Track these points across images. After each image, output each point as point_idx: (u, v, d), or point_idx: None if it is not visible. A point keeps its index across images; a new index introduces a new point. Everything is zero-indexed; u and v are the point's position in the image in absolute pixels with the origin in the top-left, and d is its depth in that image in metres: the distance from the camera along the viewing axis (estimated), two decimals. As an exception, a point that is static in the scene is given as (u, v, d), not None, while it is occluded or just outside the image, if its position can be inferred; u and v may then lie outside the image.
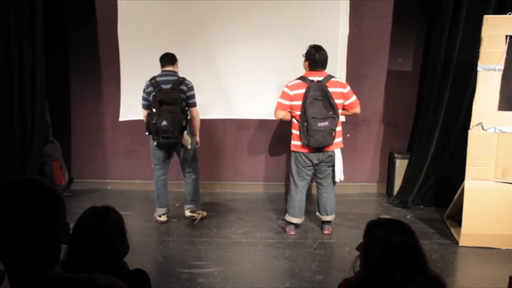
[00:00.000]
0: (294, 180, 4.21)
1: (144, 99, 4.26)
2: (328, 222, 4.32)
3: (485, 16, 3.98)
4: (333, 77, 4.05)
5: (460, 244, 4.04)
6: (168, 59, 4.31)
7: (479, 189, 3.99)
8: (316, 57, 4.01)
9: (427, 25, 5.28)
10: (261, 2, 5.06)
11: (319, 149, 4.02)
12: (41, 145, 4.95)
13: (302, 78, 4.04)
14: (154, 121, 4.09)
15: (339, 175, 4.16)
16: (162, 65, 4.31)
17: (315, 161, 4.10)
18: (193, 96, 4.27)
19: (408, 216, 4.82)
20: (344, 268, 3.38)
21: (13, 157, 4.55)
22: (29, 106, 4.70)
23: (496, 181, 4.01)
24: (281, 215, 4.61)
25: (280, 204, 5.04)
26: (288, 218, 4.29)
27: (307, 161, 4.10)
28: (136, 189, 5.48)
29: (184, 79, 4.25)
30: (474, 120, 4.03)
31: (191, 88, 4.26)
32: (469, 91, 4.51)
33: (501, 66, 3.93)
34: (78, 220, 1.89)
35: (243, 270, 3.60)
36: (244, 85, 5.20)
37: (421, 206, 5.08)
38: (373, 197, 5.45)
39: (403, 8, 5.23)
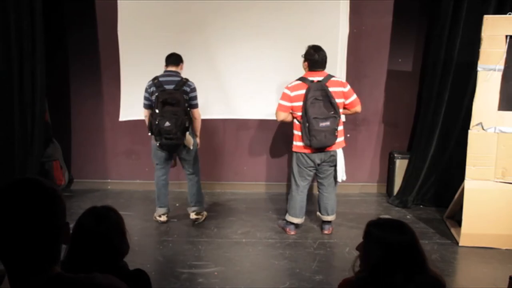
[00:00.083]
0: (295, 180, 4.21)
1: (146, 98, 4.25)
2: (329, 222, 4.32)
3: (485, 16, 3.98)
4: (333, 76, 4.05)
5: (460, 244, 4.04)
6: (173, 59, 4.29)
7: (479, 189, 4.00)
8: (315, 58, 4.01)
9: (427, 25, 5.28)
10: (261, 2, 5.06)
11: (322, 149, 4.03)
12: (41, 145, 4.95)
13: (302, 79, 4.04)
14: (157, 122, 4.08)
15: (341, 175, 4.16)
16: (166, 65, 4.30)
17: (318, 161, 4.10)
18: (195, 97, 4.27)
19: (408, 216, 4.82)
20: (344, 268, 3.38)
21: (13, 157, 4.55)
22: (29, 106, 4.70)
23: (496, 181, 4.01)
24: (281, 215, 4.61)
25: (280, 204, 5.04)
26: (289, 218, 4.29)
27: (309, 161, 4.10)
28: (136, 189, 5.48)
29: (187, 80, 4.24)
30: (474, 120, 4.03)
31: (194, 89, 4.25)
32: (469, 91, 4.51)
33: (501, 66, 3.93)
34: (78, 220, 1.89)
35: (243, 270, 3.60)
36: (244, 85, 5.20)
37: (421, 206, 5.08)
38: (373, 197, 5.45)
39: (403, 8, 5.23)
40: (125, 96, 5.21)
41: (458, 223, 4.21)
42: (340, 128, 4.08)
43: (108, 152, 5.61)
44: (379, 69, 5.39)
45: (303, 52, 4.07)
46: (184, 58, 4.37)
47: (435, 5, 4.96)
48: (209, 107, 5.10)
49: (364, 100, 4.43)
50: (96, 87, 5.43)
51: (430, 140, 4.98)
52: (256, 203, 5.18)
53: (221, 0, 5.05)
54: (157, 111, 4.09)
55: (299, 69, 4.15)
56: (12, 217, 1.09)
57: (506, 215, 3.95)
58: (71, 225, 1.33)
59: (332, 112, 3.93)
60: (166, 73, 4.25)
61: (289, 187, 4.62)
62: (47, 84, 4.96)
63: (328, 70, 4.10)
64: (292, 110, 4.04)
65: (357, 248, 1.87)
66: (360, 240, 1.86)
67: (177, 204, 4.92)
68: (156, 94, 4.12)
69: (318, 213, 4.36)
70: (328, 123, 3.91)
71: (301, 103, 3.95)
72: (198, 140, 4.45)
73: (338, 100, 3.98)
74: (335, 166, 4.13)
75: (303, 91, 3.95)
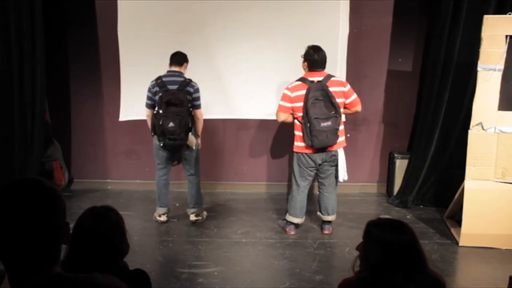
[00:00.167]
0: (296, 181, 4.21)
1: (148, 98, 4.23)
2: (329, 222, 4.32)
3: (485, 16, 3.98)
4: (332, 76, 4.05)
5: (460, 244, 4.04)
6: (176, 59, 4.27)
7: (479, 189, 4.00)
8: (315, 58, 4.01)
9: (427, 25, 5.28)
10: (261, 2, 5.06)
11: (323, 149, 4.02)
12: (41, 145, 4.95)
13: (302, 79, 4.04)
14: (160, 122, 4.07)
15: (343, 175, 4.16)
16: (170, 64, 4.28)
17: (319, 161, 4.09)
18: (199, 98, 4.26)
19: (408, 216, 4.82)
20: (344, 268, 3.37)
21: (13, 157, 4.55)
22: (29, 106, 4.70)
23: (496, 181, 4.01)
24: (281, 215, 4.61)
25: (280, 204, 5.04)
26: (289, 218, 4.29)
27: (310, 161, 4.10)
28: (136, 189, 5.48)
29: (190, 80, 4.23)
30: (474, 120, 4.03)
31: (197, 90, 4.24)
32: (469, 91, 4.51)
33: (501, 66, 3.93)
34: (78, 220, 1.89)
35: (243, 270, 3.60)
36: (244, 85, 5.20)
37: (421, 206, 5.08)
38: (373, 197, 5.45)
39: (403, 8, 5.24)
40: (125, 96, 5.21)
41: (458, 223, 4.21)
42: (341, 127, 4.08)
43: (108, 152, 5.61)
44: (379, 69, 5.39)
45: (303, 52, 4.07)
46: (185, 58, 4.36)
47: (435, 5, 4.96)
48: (209, 107, 5.10)
49: (364, 100, 4.43)
50: (96, 87, 5.43)
51: (430, 140, 4.98)
52: (256, 203, 5.18)
53: (221, 0, 5.05)
54: (160, 111, 4.08)
55: (299, 69, 4.15)
56: (12, 217, 1.09)
57: (506, 215, 3.95)
58: (71, 225, 1.33)
59: (333, 112, 3.93)
60: (169, 73, 4.24)
61: (289, 187, 4.62)
62: (47, 84, 4.96)
63: (328, 70, 4.10)
64: (292, 110, 4.04)
65: (357, 248, 1.87)
66: (360, 240, 1.86)
67: (177, 204, 4.92)
68: (160, 94, 4.11)
69: (318, 213, 4.36)
70: (329, 123, 3.91)
71: (301, 104, 3.95)
72: (199, 140, 4.45)
73: (339, 100, 3.97)
74: (336, 166, 4.13)
75: (303, 92, 3.94)
